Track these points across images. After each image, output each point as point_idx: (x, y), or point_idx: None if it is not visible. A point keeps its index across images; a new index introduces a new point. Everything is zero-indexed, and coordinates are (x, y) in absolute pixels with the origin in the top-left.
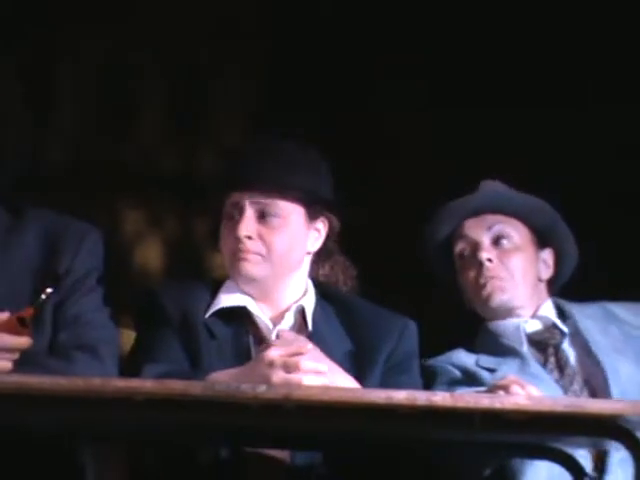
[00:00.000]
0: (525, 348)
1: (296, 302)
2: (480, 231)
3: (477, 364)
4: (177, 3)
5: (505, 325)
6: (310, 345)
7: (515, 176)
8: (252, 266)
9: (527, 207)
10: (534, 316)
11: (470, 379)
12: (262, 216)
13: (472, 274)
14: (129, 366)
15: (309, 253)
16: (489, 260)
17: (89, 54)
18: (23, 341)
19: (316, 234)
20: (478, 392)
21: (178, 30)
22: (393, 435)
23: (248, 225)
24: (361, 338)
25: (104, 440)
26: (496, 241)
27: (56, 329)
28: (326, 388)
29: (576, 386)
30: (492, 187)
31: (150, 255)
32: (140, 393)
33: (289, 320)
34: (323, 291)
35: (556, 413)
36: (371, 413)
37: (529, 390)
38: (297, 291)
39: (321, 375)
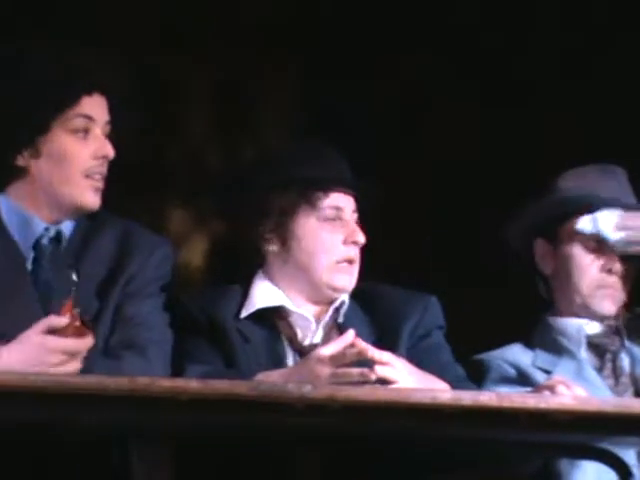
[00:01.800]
0: (583, 352)
1: (334, 299)
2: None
3: (534, 364)
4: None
5: (567, 324)
6: (352, 333)
7: None
8: (352, 280)
9: None
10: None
11: (523, 379)
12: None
13: (600, 266)
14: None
15: None
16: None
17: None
18: (86, 343)
19: None
20: (525, 392)
21: (219, 32)
22: (439, 435)
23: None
24: (385, 321)
25: (150, 440)
26: None
27: (112, 330)
28: (371, 388)
29: (628, 395)
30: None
31: (195, 256)
32: (185, 393)
33: (328, 316)
34: None
35: (603, 413)
36: (417, 413)
37: (575, 390)
38: None
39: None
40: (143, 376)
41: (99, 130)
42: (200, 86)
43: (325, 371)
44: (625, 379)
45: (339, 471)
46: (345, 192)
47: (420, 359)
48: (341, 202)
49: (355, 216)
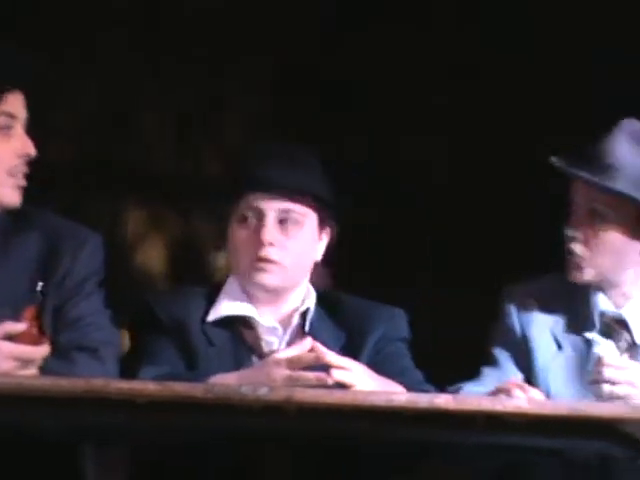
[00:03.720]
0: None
1: (300, 306)
2: None
3: None
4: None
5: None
6: (310, 340)
7: None
8: (269, 276)
9: None
10: None
11: None
12: (282, 222)
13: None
14: (126, 368)
15: (316, 261)
16: None
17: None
18: (43, 350)
19: (322, 243)
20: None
21: (185, 30)
22: (394, 437)
23: (272, 231)
24: (352, 330)
25: (105, 442)
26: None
27: (56, 331)
28: (328, 391)
29: None
30: None
31: (151, 257)
32: (142, 395)
33: (294, 323)
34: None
35: (557, 417)
36: (372, 416)
37: (530, 393)
38: (301, 295)
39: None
40: (98, 378)
41: (20, 128)
42: (159, 85)
43: (281, 374)
44: None
45: (297, 473)
46: (266, 193)
47: (380, 365)
48: (260, 204)
49: (282, 216)
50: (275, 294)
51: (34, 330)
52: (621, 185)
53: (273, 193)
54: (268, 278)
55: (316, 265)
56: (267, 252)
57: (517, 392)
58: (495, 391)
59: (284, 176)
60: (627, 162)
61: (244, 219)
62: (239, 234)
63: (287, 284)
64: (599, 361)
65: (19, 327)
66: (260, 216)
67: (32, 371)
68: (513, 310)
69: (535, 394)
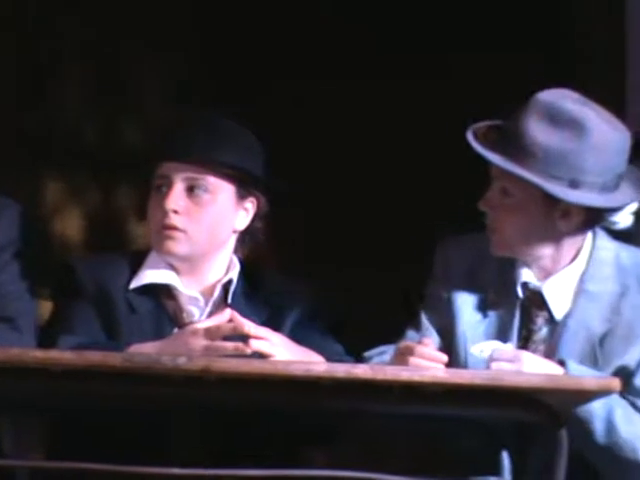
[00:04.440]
0: None
1: (223, 277)
2: None
3: None
4: None
5: None
6: (230, 310)
7: None
8: (174, 244)
9: None
10: None
11: None
12: (191, 190)
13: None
14: (44, 337)
15: (236, 231)
16: None
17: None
18: None
19: (244, 213)
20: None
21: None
22: (313, 407)
23: (176, 199)
24: (275, 304)
25: (22, 409)
26: None
27: None
28: (246, 360)
29: None
30: None
31: (70, 227)
32: (59, 364)
33: (216, 294)
34: (242, 267)
35: (474, 386)
36: (291, 385)
37: (433, 354)
38: (223, 267)
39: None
40: (14, 347)
41: None
42: (76, 56)
43: (200, 344)
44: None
45: (215, 442)
46: (176, 162)
47: (302, 338)
48: (169, 172)
49: (190, 184)
50: (191, 263)
51: None
52: (529, 168)
53: (182, 161)
54: (173, 246)
55: (241, 236)
56: (171, 219)
57: (420, 350)
58: (397, 351)
59: (194, 145)
60: (537, 142)
61: (158, 188)
62: (152, 203)
63: (197, 253)
64: (490, 356)
65: None
66: (169, 184)
67: None
68: (443, 270)
69: (438, 356)
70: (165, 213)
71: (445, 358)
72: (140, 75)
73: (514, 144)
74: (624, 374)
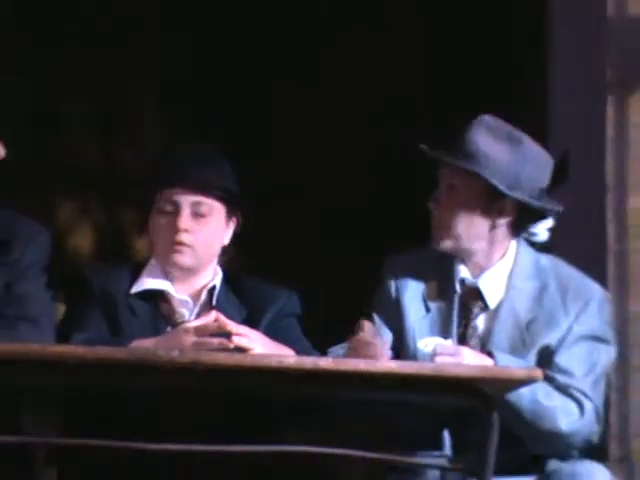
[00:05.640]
0: None
1: (208, 283)
2: None
3: None
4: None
5: None
6: (215, 313)
7: None
8: (184, 257)
9: None
10: None
11: None
12: (195, 212)
13: None
14: (60, 334)
15: (223, 245)
16: None
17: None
18: None
19: (230, 230)
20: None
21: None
22: (284, 394)
23: (186, 220)
24: (253, 305)
25: (41, 396)
26: None
27: (3, 305)
28: (229, 354)
29: None
30: None
31: (80, 241)
32: (73, 357)
33: (203, 297)
34: (224, 273)
35: (421, 376)
36: (266, 375)
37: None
38: (210, 275)
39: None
40: (36, 343)
41: None
42: (83, 94)
43: (190, 340)
44: None
45: (203, 422)
46: (181, 188)
47: (275, 335)
48: (176, 197)
49: (194, 208)
50: (188, 273)
51: None
52: (474, 166)
53: (188, 188)
54: (182, 259)
55: (224, 248)
56: (182, 237)
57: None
58: (350, 346)
59: (197, 174)
60: (481, 149)
61: (163, 210)
62: (159, 222)
63: (198, 264)
64: (434, 350)
65: None
66: (177, 207)
67: None
68: (391, 277)
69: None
70: (177, 232)
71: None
72: (135, 108)
73: (461, 151)
74: (547, 353)
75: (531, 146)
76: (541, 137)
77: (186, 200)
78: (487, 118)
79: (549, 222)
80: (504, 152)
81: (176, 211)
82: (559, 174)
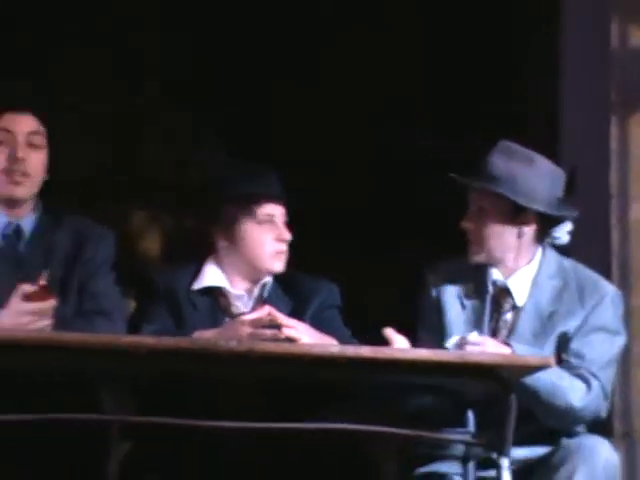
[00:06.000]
0: None
1: (263, 279)
2: None
3: None
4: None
5: None
6: (267, 307)
7: None
8: (282, 263)
9: None
10: None
11: None
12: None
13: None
14: (131, 327)
15: None
16: None
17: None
18: (50, 303)
19: None
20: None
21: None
22: (330, 378)
23: (285, 231)
24: (298, 298)
25: (117, 380)
26: None
27: (81, 299)
28: (280, 343)
29: None
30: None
31: (149, 245)
32: (143, 346)
33: (256, 292)
34: None
35: (451, 363)
36: (313, 361)
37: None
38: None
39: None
40: (110, 334)
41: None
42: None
43: (246, 331)
44: None
45: (258, 404)
46: (274, 202)
47: (319, 325)
48: (271, 210)
49: (283, 218)
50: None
51: (43, 290)
52: (498, 188)
53: (278, 202)
54: (281, 265)
55: None
56: (283, 245)
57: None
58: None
59: (278, 187)
60: (502, 172)
61: (261, 221)
62: (262, 231)
63: None
64: (462, 339)
65: (29, 288)
66: (275, 219)
67: (46, 322)
68: (432, 282)
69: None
70: (282, 241)
71: None
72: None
73: (484, 174)
74: (564, 340)
75: (544, 163)
76: (553, 153)
77: (280, 212)
78: (504, 143)
79: (568, 226)
80: (522, 171)
81: (273, 222)
82: (568, 188)
